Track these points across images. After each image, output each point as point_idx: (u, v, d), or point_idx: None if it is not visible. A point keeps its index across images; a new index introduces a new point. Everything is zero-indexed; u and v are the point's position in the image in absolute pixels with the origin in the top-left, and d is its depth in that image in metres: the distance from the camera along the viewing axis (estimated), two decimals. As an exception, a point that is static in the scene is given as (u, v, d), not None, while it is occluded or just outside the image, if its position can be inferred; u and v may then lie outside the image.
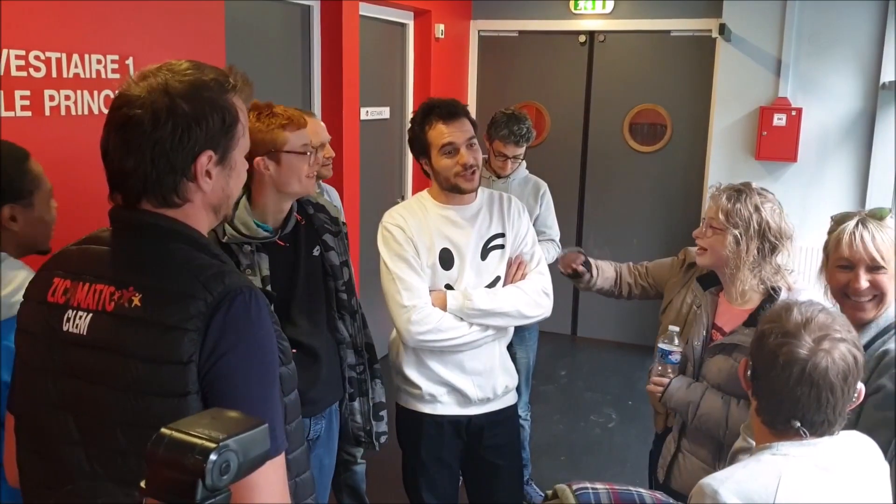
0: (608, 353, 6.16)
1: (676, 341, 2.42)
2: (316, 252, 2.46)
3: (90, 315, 1.35)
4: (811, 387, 1.44)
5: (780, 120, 5.34)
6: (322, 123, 3.15)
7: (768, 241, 2.30)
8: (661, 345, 2.43)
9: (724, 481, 1.47)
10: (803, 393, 1.44)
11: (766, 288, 2.34)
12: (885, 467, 1.52)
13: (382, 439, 2.68)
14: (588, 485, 1.70)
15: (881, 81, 5.11)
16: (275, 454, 1.32)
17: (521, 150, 3.86)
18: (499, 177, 3.86)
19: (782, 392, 1.46)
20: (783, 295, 2.30)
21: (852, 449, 1.50)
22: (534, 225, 3.82)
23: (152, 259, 1.36)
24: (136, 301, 1.31)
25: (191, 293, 1.30)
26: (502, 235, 2.69)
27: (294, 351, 1.56)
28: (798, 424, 1.46)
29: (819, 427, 1.47)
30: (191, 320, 1.28)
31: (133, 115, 1.33)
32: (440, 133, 2.55)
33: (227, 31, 3.61)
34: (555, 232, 3.96)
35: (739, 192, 2.35)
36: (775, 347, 1.47)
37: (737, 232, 2.30)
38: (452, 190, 2.61)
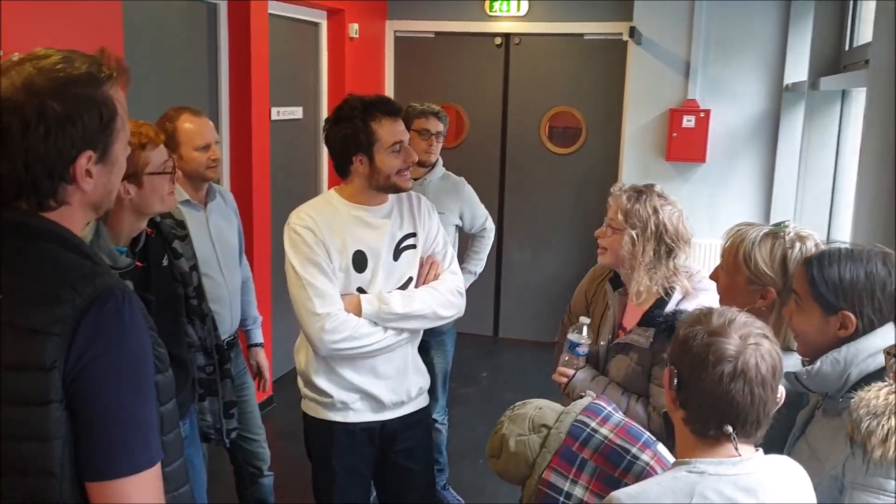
0: (530, 353, 6.17)
1: (585, 333, 2.42)
2: (164, 262, 2.40)
3: None
4: (745, 383, 1.41)
5: (689, 122, 5.45)
6: (210, 123, 3.02)
7: (665, 244, 2.31)
8: (570, 336, 2.43)
9: (634, 497, 1.44)
10: (737, 390, 1.41)
11: (659, 294, 2.34)
12: (812, 497, 1.49)
13: (233, 435, 2.72)
14: (592, 423, 1.75)
15: (785, 83, 5.26)
16: (148, 465, 1.26)
17: (442, 128, 3.80)
18: (415, 179, 3.80)
19: (715, 393, 1.42)
20: (676, 297, 2.31)
21: (778, 473, 1.46)
22: (462, 221, 3.83)
23: (16, 259, 1.28)
24: None
25: (56, 295, 1.22)
26: (414, 235, 2.63)
27: None
28: (730, 429, 1.42)
29: (750, 429, 1.44)
30: (56, 324, 1.21)
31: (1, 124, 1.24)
32: (391, 130, 2.46)
33: (127, 30, 3.48)
34: (489, 223, 3.94)
35: (640, 193, 2.35)
36: (703, 348, 1.43)
37: (634, 232, 2.31)
38: (389, 189, 2.53)
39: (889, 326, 1.59)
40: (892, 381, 1.48)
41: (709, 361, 1.42)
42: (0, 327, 1.22)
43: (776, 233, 1.97)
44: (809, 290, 1.67)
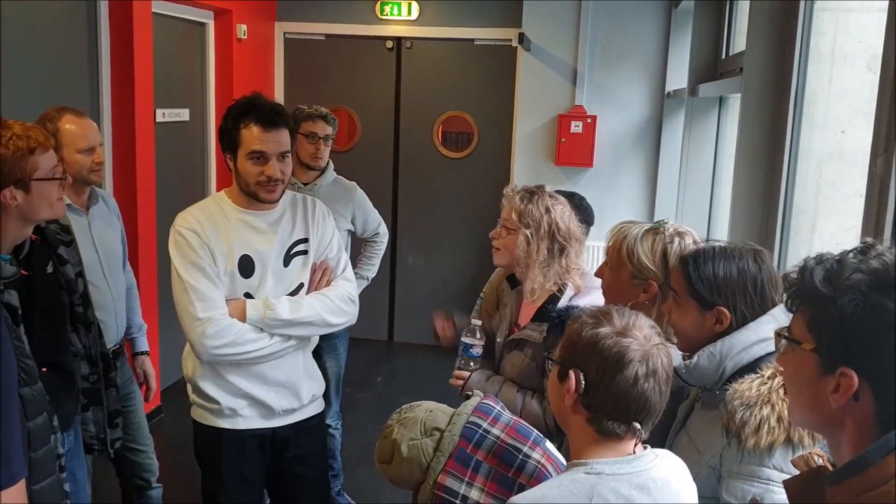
0: (426, 356, 6.17)
1: (478, 335, 2.45)
2: (49, 269, 2.30)
3: None
4: (655, 381, 1.43)
5: (576, 127, 5.59)
6: (93, 124, 2.91)
7: (557, 242, 2.37)
8: (463, 338, 2.46)
9: (534, 500, 1.44)
10: (650, 389, 1.42)
11: (553, 287, 2.40)
12: (694, 489, 1.52)
13: (117, 444, 2.65)
14: (484, 423, 1.73)
15: (667, 90, 5.47)
16: (9, 483, 1.19)
17: (331, 131, 3.76)
18: (305, 184, 3.75)
19: (629, 394, 1.42)
20: (568, 293, 2.37)
21: (666, 468, 1.48)
22: (355, 226, 3.79)
23: None
24: None
25: None
26: (305, 241, 2.58)
27: (44, 370, 1.42)
28: (638, 426, 1.44)
29: (650, 424, 1.47)
30: None
31: None
32: (253, 137, 2.40)
33: (3, 26, 3.33)
34: (382, 228, 3.92)
35: (532, 193, 2.41)
36: (613, 350, 1.42)
37: (528, 232, 2.36)
38: (251, 196, 2.48)
39: (760, 321, 1.67)
40: (763, 373, 1.56)
41: (622, 363, 1.42)
42: None
43: (656, 229, 2.06)
44: (686, 287, 1.73)
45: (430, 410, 1.82)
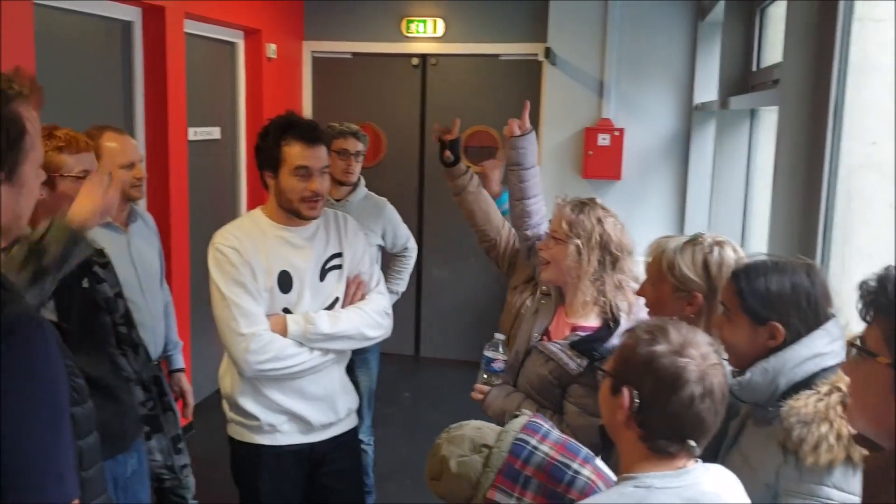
0: (452, 371, 6.17)
1: (501, 349, 2.43)
2: (85, 284, 2.31)
3: None
4: (711, 402, 1.40)
5: (604, 140, 5.58)
6: (133, 141, 2.97)
7: (610, 254, 2.33)
8: (485, 352, 2.44)
9: None
10: (706, 410, 1.40)
11: (604, 306, 2.35)
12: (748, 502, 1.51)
13: (186, 471, 2.62)
14: (532, 440, 1.71)
15: (694, 103, 5.44)
16: (62, 502, 1.19)
17: (361, 147, 3.80)
18: (337, 200, 3.78)
19: (684, 414, 1.40)
20: (623, 320, 2.32)
21: (716, 482, 1.46)
22: (385, 241, 3.81)
23: None
24: None
25: None
26: (340, 255, 2.62)
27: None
28: (693, 444, 1.42)
29: (704, 442, 1.45)
30: None
31: None
32: (297, 154, 2.44)
33: (39, 48, 3.37)
34: (411, 243, 3.94)
35: (583, 204, 2.38)
36: (669, 370, 1.40)
37: (578, 242, 2.32)
38: (292, 213, 2.51)
39: (814, 336, 1.64)
40: (819, 390, 1.53)
41: (678, 384, 1.39)
42: None
43: (695, 240, 2.04)
44: (738, 302, 1.71)
45: (479, 428, 1.81)
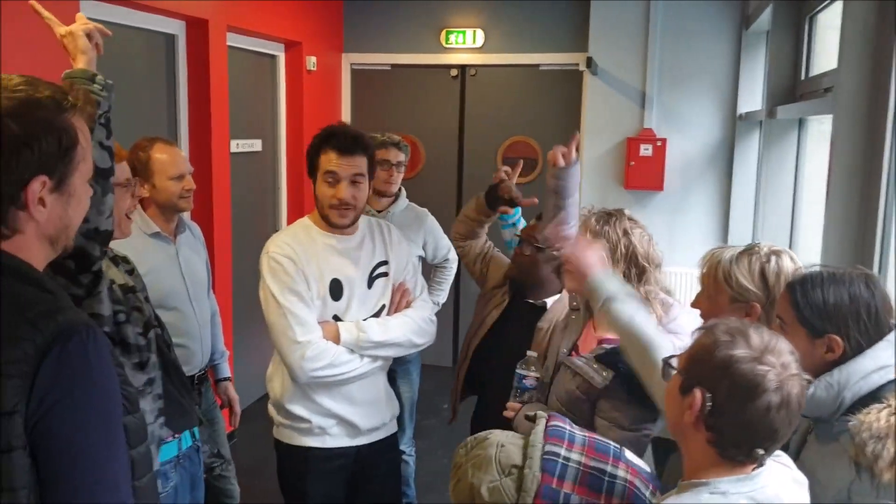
0: (490, 383, 6.11)
1: (533, 367, 2.40)
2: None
3: None
4: (787, 412, 1.36)
5: (646, 150, 5.52)
6: (182, 153, 3.02)
7: (636, 266, 2.27)
8: (517, 369, 2.42)
9: None
10: (780, 420, 1.36)
11: None
12: (808, 496, 1.47)
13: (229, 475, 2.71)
14: (561, 450, 1.65)
15: (738, 112, 5.37)
16: None
17: (403, 158, 3.81)
18: (378, 211, 3.78)
19: (759, 422, 1.36)
20: None
21: (783, 480, 1.43)
22: (426, 252, 3.80)
23: None
24: None
25: (16, 334, 1.15)
26: (386, 263, 2.67)
27: None
28: (762, 452, 1.38)
29: (773, 451, 1.42)
30: (15, 364, 1.13)
31: None
32: (328, 160, 2.50)
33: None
34: (452, 254, 3.91)
35: (609, 215, 2.34)
36: (748, 377, 1.35)
37: (603, 253, 2.28)
38: (325, 220, 2.56)
39: (877, 347, 1.60)
40: (890, 403, 1.48)
41: (756, 392, 1.35)
42: None
43: (750, 249, 1.99)
44: (794, 315, 1.67)
45: (502, 445, 1.70)
